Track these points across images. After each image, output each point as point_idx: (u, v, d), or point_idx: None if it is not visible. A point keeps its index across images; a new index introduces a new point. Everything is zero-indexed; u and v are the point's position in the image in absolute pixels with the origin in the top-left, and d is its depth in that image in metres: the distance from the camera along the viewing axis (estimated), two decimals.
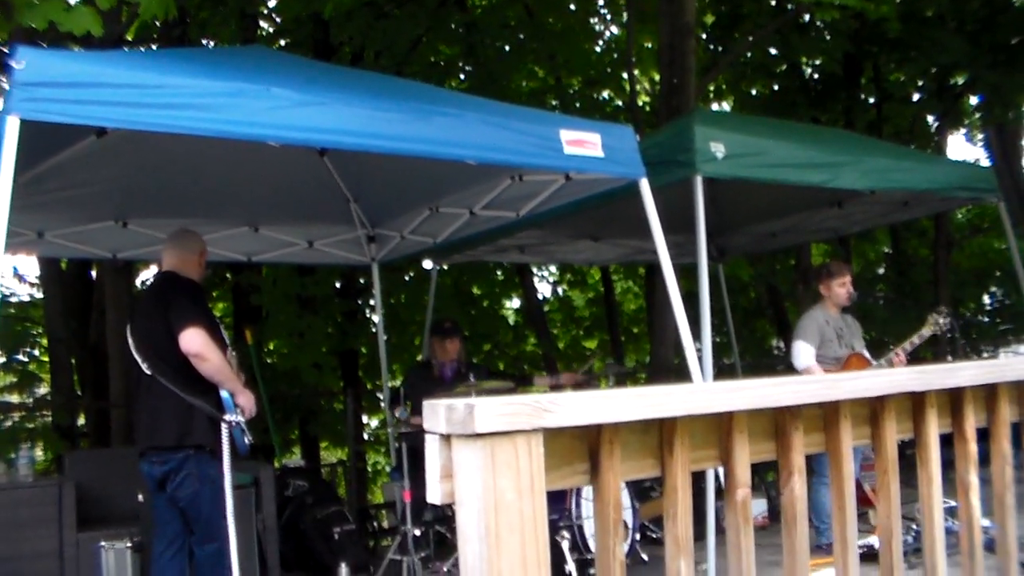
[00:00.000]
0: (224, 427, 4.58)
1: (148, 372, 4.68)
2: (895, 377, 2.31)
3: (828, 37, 12.23)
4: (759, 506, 7.75)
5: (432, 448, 1.62)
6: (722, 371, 11.31)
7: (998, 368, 2.56)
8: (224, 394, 4.60)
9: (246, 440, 4.68)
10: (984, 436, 2.61)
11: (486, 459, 1.52)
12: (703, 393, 1.82)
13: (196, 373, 4.54)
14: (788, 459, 2.07)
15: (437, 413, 1.58)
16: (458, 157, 4.56)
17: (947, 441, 2.49)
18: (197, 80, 3.97)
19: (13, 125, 3.53)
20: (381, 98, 4.44)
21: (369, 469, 14.61)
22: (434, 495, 1.62)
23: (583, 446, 1.76)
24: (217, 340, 4.64)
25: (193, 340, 4.46)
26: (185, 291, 4.77)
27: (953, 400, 2.49)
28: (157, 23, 11.15)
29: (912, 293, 14.91)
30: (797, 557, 2.08)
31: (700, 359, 5.27)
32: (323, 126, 4.13)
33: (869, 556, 2.40)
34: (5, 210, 3.53)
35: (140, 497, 5.35)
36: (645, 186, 5.13)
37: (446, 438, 1.59)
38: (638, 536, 6.72)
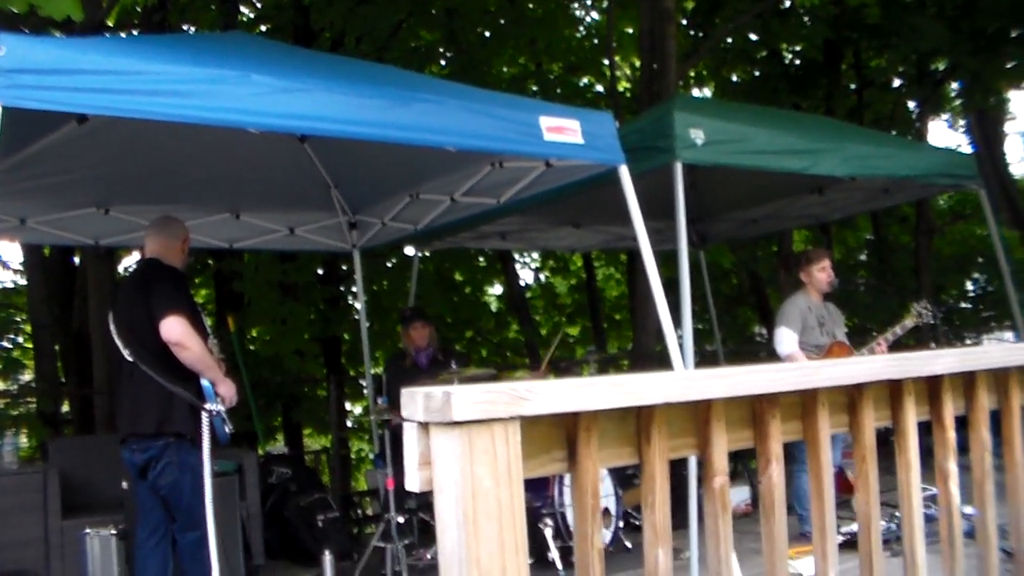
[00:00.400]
0: (204, 416, 4.56)
1: (129, 359, 4.66)
2: (873, 365, 2.33)
3: (808, 23, 12.24)
4: (742, 493, 7.78)
5: (410, 436, 1.62)
6: (704, 358, 11.37)
7: (976, 356, 2.58)
8: (205, 383, 4.58)
9: (227, 429, 4.67)
10: (963, 424, 2.63)
11: (463, 447, 1.53)
12: (679, 381, 1.82)
13: (177, 361, 4.51)
14: (766, 447, 2.08)
15: (415, 401, 1.59)
16: (438, 144, 4.54)
17: (929, 429, 2.51)
18: (177, 67, 3.94)
19: None
20: (361, 84, 4.42)
21: (353, 456, 14.62)
22: (412, 483, 1.62)
23: (561, 434, 1.76)
24: (198, 328, 4.62)
25: (173, 328, 4.44)
26: (167, 278, 4.74)
27: (931, 388, 2.51)
28: (138, 8, 11.13)
29: (894, 280, 14.99)
30: (776, 544, 2.09)
31: (681, 346, 5.29)
32: (303, 112, 4.10)
33: (852, 544, 2.42)
34: None
35: (124, 484, 5.33)
36: (625, 173, 5.13)
37: (424, 426, 1.60)
38: (621, 524, 6.75)
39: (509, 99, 5.26)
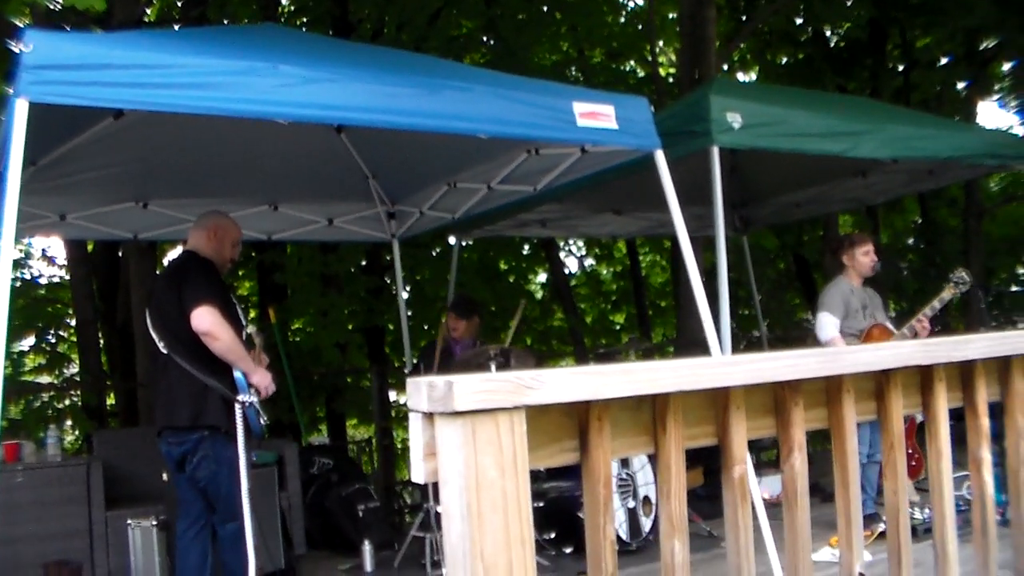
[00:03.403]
0: (238, 408, 4.57)
1: (164, 351, 4.68)
2: (900, 350, 2.26)
3: (850, 3, 12.02)
4: (778, 484, 7.66)
5: (415, 426, 1.60)
6: (750, 344, 11.24)
7: (1010, 340, 2.50)
8: (237, 374, 4.58)
9: (261, 421, 4.66)
10: (998, 410, 2.56)
11: (467, 437, 1.50)
12: (692, 368, 1.78)
13: (210, 353, 4.52)
14: (788, 435, 2.03)
15: (419, 391, 1.56)
16: (469, 131, 4.51)
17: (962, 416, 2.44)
18: (205, 59, 3.95)
19: (22, 108, 3.54)
20: (390, 73, 4.41)
21: (398, 446, 14.68)
22: (418, 474, 1.60)
23: (572, 423, 1.73)
24: (231, 319, 4.62)
25: (203, 319, 4.44)
26: (200, 270, 4.74)
27: (964, 373, 2.44)
28: (178, 3, 11.24)
29: (942, 263, 14.71)
30: (799, 534, 2.05)
31: (719, 332, 5.22)
32: (332, 103, 4.10)
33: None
34: (15, 191, 3.55)
35: (164, 476, 5.38)
36: (660, 158, 5.06)
37: (429, 416, 1.58)
38: None
39: (541, 85, 5.21)
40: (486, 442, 1.51)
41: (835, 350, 2.37)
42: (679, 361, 1.77)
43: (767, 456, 8.49)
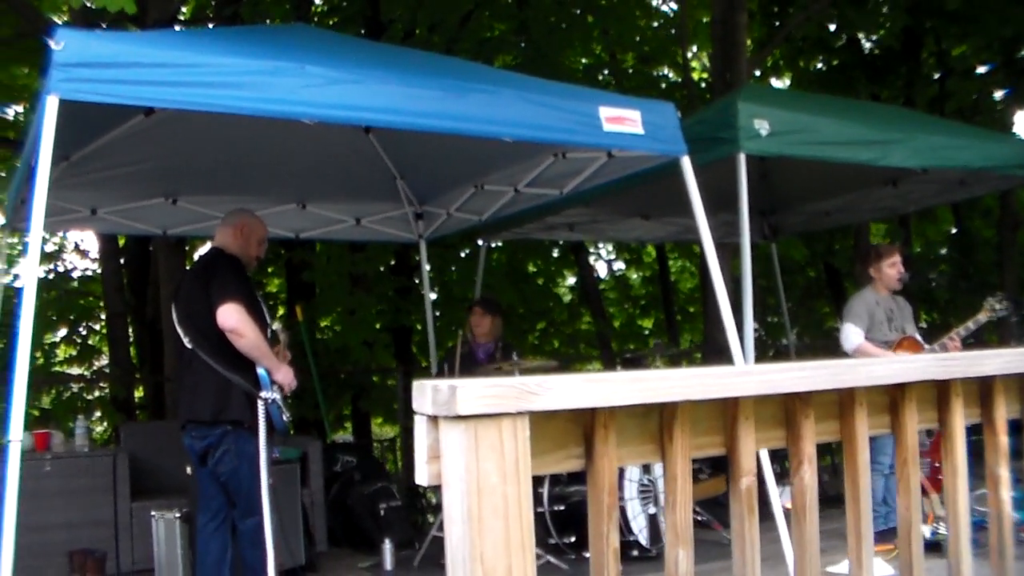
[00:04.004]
0: (260, 404, 4.60)
1: (189, 347, 4.72)
2: (915, 364, 2.24)
3: (885, 10, 11.90)
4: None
5: (420, 429, 1.60)
6: (778, 352, 11.17)
7: None
8: (260, 371, 4.62)
9: (284, 418, 4.69)
10: (1018, 428, 2.52)
11: (470, 441, 1.50)
12: (701, 378, 1.77)
13: (234, 349, 4.55)
14: (798, 448, 2.01)
15: (424, 394, 1.57)
16: (494, 134, 4.53)
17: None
18: (233, 59, 3.99)
19: (53, 105, 3.59)
20: (416, 75, 4.42)
21: None
22: (421, 476, 1.60)
23: (578, 430, 1.73)
24: (256, 316, 4.65)
25: (229, 315, 4.48)
26: (227, 267, 4.78)
27: (983, 389, 2.41)
28: (212, 1, 11.32)
29: (976, 275, 14.54)
30: (807, 548, 2.03)
31: (743, 340, 5.20)
32: (358, 104, 4.13)
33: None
34: (44, 186, 3.61)
35: (188, 470, 5.43)
36: (687, 163, 5.05)
37: (433, 419, 1.58)
38: None
39: (568, 89, 5.21)
40: (488, 447, 1.51)
41: (849, 362, 2.35)
42: (687, 370, 1.76)
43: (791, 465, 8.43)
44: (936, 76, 13.90)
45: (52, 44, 3.60)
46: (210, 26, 10.83)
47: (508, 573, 1.51)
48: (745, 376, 1.86)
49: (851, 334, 6.31)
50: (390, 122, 4.30)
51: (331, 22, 11.85)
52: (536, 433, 1.58)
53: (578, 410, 1.67)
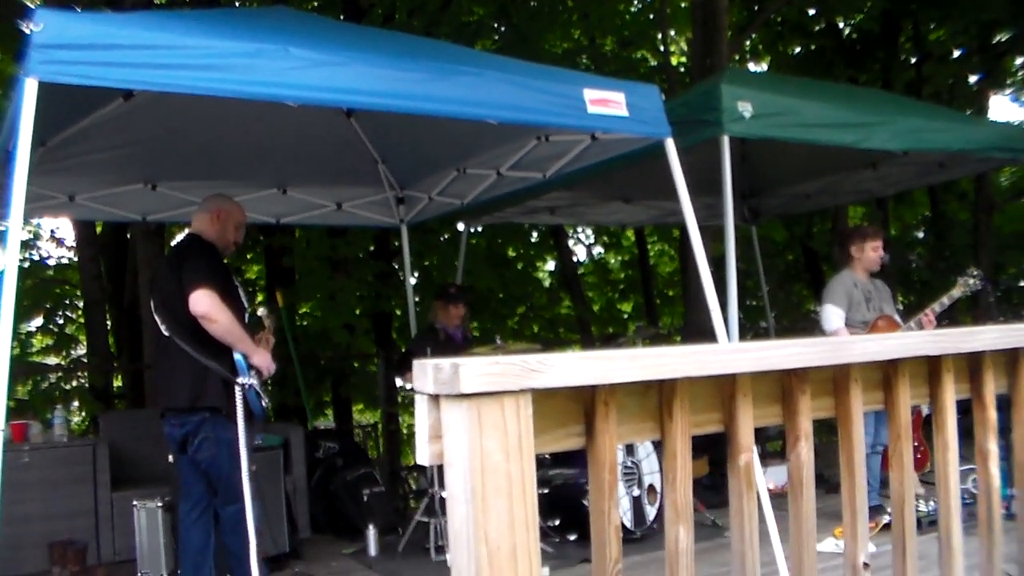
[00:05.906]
0: (237, 390, 4.57)
1: (166, 333, 4.69)
2: (908, 340, 2.25)
3: None
4: (783, 474, 7.65)
5: (421, 408, 1.59)
6: (757, 334, 11.23)
7: (1019, 332, 2.47)
8: (237, 356, 4.59)
9: (262, 403, 4.66)
10: (1005, 403, 2.54)
11: (472, 420, 1.49)
12: (700, 355, 1.77)
13: (210, 335, 4.53)
14: (795, 424, 2.02)
15: (426, 373, 1.55)
16: (478, 116, 4.50)
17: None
18: (215, 41, 3.94)
19: (31, 87, 3.53)
20: (400, 58, 4.39)
21: (404, 431, 14.68)
22: (423, 456, 1.59)
23: (578, 408, 1.72)
24: (232, 302, 4.62)
25: (200, 301, 4.44)
26: (201, 253, 4.73)
27: (972, 365, 2.42)
28: None
29: (951, 257, 14.67)
30: (804, 523, 2.04)
31: (727, 322, 5.22)
32: (342, 86, 4.09)
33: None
34: (24, 171, 3.55)
35: (170, 458, 5.40)
36: (671, 146, 5.05)
37: (435, 399, 1.57)
38: None
39: (552, 71, 5.19)
40: (491, 425, 1.50)
41: (844, 339, 2.36)
42: (687, 347, 1.76)
43: (772, 447, 8.49)
44: (913, 60, 13.98)
45: (31, 26, 3.54)
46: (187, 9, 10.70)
47: (512, 551, 1.51)
48: (743, 353, 1.86)
49: (831, 315, 6.35)
50: (375, 104, 4.26)
51: (310, 6, 11.75)
52: (537, 411, 1.57)
53: (579, 388, 1.66)
